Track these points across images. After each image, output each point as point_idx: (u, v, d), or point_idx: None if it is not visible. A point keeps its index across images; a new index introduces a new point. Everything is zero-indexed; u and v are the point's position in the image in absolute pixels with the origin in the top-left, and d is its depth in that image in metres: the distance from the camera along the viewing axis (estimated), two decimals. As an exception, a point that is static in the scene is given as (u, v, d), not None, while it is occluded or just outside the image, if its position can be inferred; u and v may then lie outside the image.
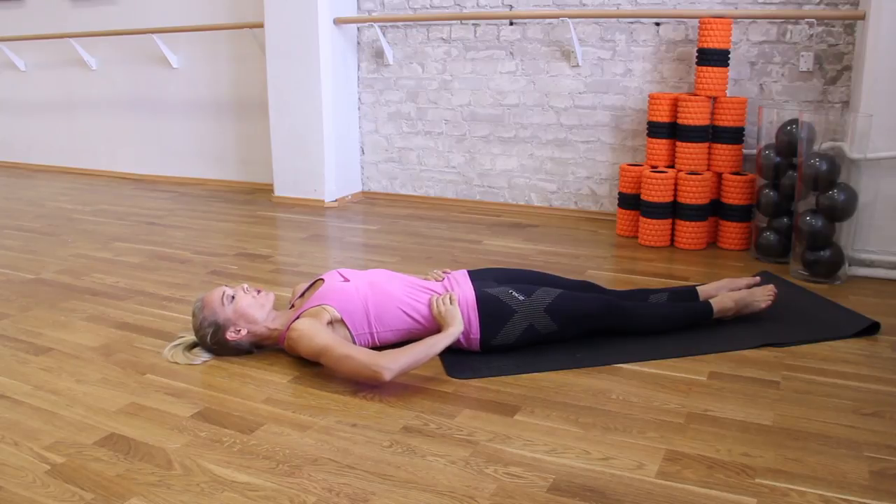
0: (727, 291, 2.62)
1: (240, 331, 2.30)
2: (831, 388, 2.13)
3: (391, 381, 2.08)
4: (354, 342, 2.28)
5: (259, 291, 2.37)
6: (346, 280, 2.37)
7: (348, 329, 2.28)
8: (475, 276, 2.50)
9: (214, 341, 2.32)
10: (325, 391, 2.14)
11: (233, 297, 2.31)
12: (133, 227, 4.18)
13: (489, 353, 2.35)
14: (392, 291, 2.34)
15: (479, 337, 2.32)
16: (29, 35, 5.88)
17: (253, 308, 2.31)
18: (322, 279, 2.43)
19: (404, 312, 2.32)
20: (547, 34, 4.23)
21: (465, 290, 2.36)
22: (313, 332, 2.17)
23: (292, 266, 3.41)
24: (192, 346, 2.39)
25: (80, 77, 5.92)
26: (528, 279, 2.54)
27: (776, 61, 3.73)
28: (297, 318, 2.27)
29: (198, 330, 2.33)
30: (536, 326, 2.33)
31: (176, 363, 2.33)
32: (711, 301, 2.53)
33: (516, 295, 2.34)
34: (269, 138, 4.83)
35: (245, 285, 2.38)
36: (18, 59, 6.17)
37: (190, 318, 2.44)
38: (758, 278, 2.71)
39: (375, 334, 2.32)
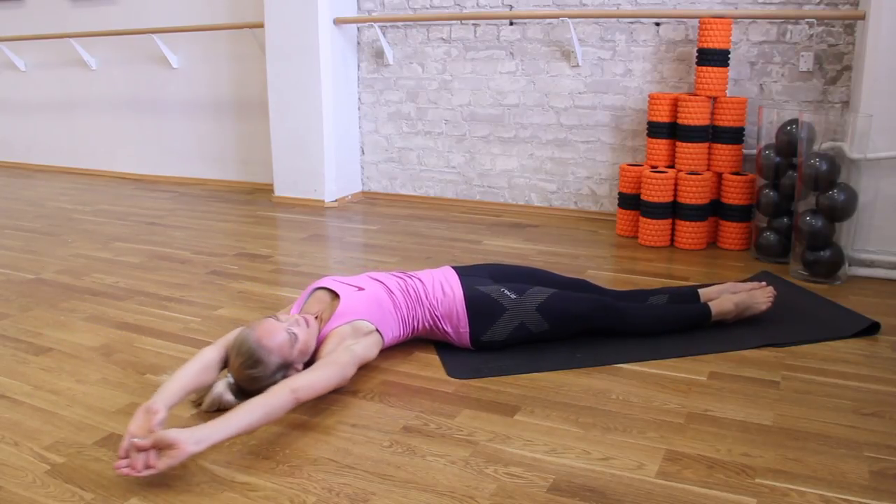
0: (729, 294, 2.60)
1: (298, 368, 2.07)
2: (831, 388, 2.13)
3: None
4: (384, 341, 2.26)
5: (307, 322, 2.11)
6: (361, 289, 2.29)
7: (381, 335, 2.24)
8: (469, 271, 2.50)
9: (272, 382, 1.95)
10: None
11: (296, 337, 2.04)
12: (133, 227, 4.18)
13: (483, 351, 2.36)
14: (400, 291, 2.37)
15: (468, 331, 2.33)
16: (29, 35, 5.88)
17: (310, 342, 2.09)
18: (326, 289, 2.33)
19: (410, 315, 2.35)
20: (547, 34, 4.23)
21: (452, 284, 2.37)
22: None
23: (292, 266, 3.41)
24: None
25: (80, 77, 5.92)
26: (523, 276, 2.54)
27: (776, 61, 3.73)
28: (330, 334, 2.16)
29: (265, 378, 1.98)
30: (527, 325, 2.34)
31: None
32: (711, 304, 2.52)
33: (508, 293, 2.35)
34: (269, 138, 4.83)
35: (297, 316, 2.11)
36: (18, 59, 6.17)
37: (190, 317, 2.44)
38: (763, 283, 2.66)
39: (400, 336, 2.34)
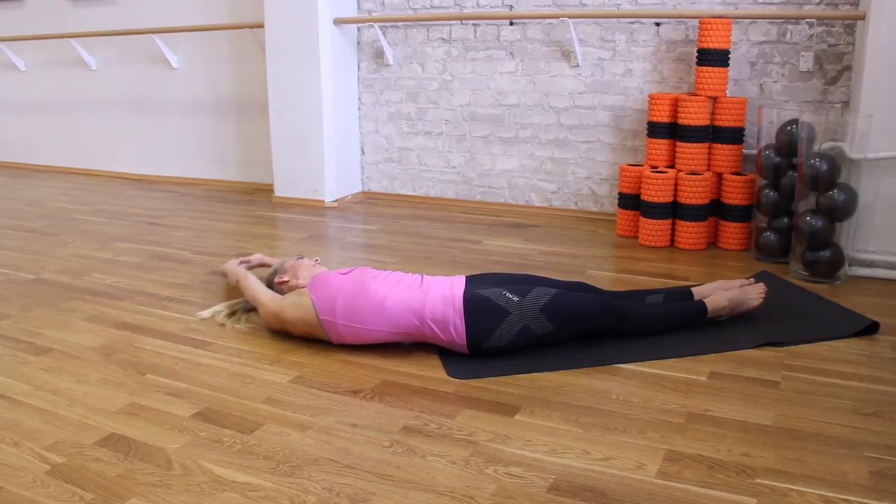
0: (721, 291, 2.62)
1: (283, 279, 2.66)
2: (831, 388, 2.13)
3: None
4: (320, 324, 2.40)
5: (317, 262, 2.75)
6: (344, 274, 2.48)
7: (316, 310, 2.38)
8: (470, 280, 2.48)
9: (269, 280, 2.72)
10: (325, 391, 2.14)
11: (301, 258, 2.74)
12: (133, 227, 4.18)
13: (485, 355, 2.34)
14: (382, 293, 2.33)
15: (465, 343, 2.31)
16: (29, 35, 5.88)
17: (303, 269, 2.67)
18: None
19: (387, 317, 2.33)
20: (547, 34, 4.23)
21: (455, 290, 2.34)
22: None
23: (292, 266, 3.41)
24: (230, 314, 2.73)
25: (80, 77, 5.92)
26: (522, 282, 2.53)
27: (776, 61, 3.73)
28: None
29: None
30: (532, 327, 2.31)
31: (212, 318, 2.70)
32: (706, 300, 2.54)
33: (510, 296, 2.32)
34: (269, 138, 4.83)
35: (317, 258, 2.83)
36: (18, 59, 6.17)
37: (190, 318, 2.57)
38: (752, 279, 2.72)
39: (341, 325, 2.37)
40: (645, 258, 3.48)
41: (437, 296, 2.32)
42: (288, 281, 2.66)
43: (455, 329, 2.29)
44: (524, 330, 2.31)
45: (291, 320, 2.45)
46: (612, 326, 2.44)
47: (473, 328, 2.29)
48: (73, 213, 4.57)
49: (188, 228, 4.14)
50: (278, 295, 2.59)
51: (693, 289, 2.70)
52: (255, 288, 2.65)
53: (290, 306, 2.45)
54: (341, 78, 4.68)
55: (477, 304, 2.30)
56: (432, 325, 2.31)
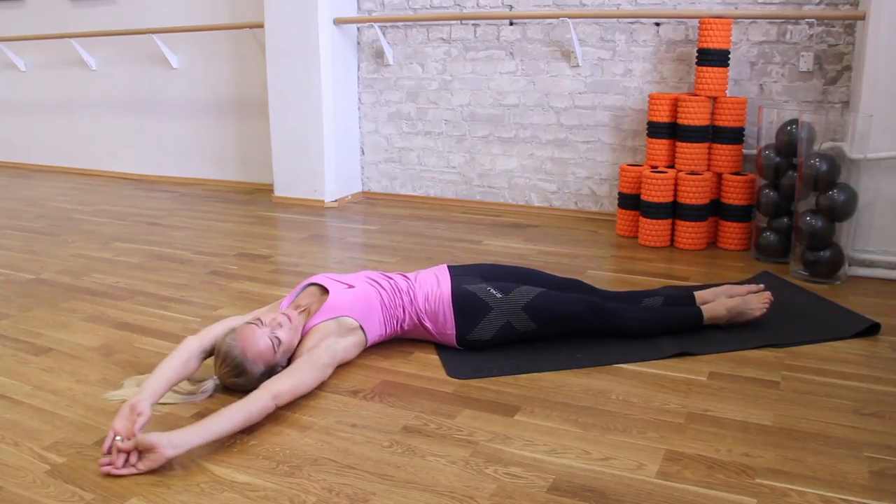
0: (725, 298, 2.57)
1: (286, 357, 2.13)
2: (831, 388, 2.13)
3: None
4: (367, 340, 2.33)
5: (290, 318, 2.14)
6: (351, 286, 2.32)
7: (367, 339, 2.32)
8: (459, 271, 2.51)
9: (257, 385, 1.97)
10: (325, 391, 2.14)
11: (279, 340, 2.07)
12: (133, 227, 4.18)
13: (474, 350, 2.37)
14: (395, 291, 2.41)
15: (454, 333, 2.35)
16: (29, 35, 5.88)
17: (294, 339, 2.14)
18: (318, 284, 2.36)
19: (391, 316, 2.40)
20: (547, 34, 4.23)
21: (443, 286, 2.38)
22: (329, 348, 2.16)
23: (292, 266, 3.41)
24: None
25: (80, 77, 5.93)
26: (515, 276, 2.54)
27: (776, 61, 3.73)
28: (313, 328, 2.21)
29: (250, 384, 2.01)
30: (514, 324, 2.34)
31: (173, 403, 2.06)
32: (703, 308, 2.50)
33: (494, 292, 2.36)
34: (269, 138, 4.83)
35: (280, 317, 2.13)
36: (18, 59, 6.17)
37: (190, 318, 2.47)
38: (761, 286, 2.65)
39: (385, 336, 2.39)
40: (645, 258, 3.48)
41: (426, 289, 2.39)
42: (283, 364, 2.12)
43: (445, 319, 2.35)
44: (506, 326, 2.34)
45: (351, 357, 2.28)
46: (599, 327, 2.43)
47: (460, 320, 2.34)
48: (73, 213, 4.57)
49: (188, 228, 4.14)
50: (311, 360, 2.06)
51: (696, 293, 2.64)
52: (298, 384, 1.99)
53: (349, 349, 2.23)
54: (341, 78, 4.68)
55: (463, 299, 2.35)
56: (425, 319, 2.37)
